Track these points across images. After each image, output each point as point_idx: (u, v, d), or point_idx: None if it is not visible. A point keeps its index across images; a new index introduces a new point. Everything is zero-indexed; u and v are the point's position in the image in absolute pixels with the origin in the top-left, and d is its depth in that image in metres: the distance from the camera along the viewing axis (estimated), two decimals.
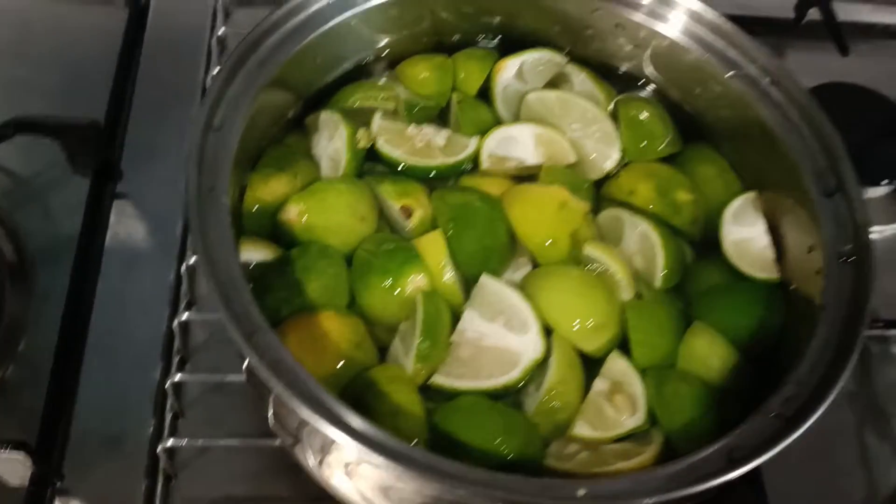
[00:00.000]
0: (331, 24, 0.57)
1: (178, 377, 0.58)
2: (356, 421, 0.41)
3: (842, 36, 0.82)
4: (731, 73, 0.58)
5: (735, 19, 0.82)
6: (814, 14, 0.82)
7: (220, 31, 0.76)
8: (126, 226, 0.67)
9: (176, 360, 0.60)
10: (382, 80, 0.62)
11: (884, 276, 0.73)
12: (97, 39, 0.77)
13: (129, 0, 0.77)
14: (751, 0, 0.90)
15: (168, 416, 0.58)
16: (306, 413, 0.41)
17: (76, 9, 0.79)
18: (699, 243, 0.59)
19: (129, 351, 0.60)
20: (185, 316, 0.59)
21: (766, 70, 0.58)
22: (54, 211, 0.67)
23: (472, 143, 0.58)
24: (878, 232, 0.76)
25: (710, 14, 0.59)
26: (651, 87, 0.64)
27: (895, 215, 0.75)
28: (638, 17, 0.60)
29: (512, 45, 0.64)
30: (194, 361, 0.61)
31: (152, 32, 0.78)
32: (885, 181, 0.75)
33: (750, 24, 0.82)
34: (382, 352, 0.53)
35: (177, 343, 0.60)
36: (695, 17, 0.60)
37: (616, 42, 0.63)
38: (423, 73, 0.61)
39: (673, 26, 0.60)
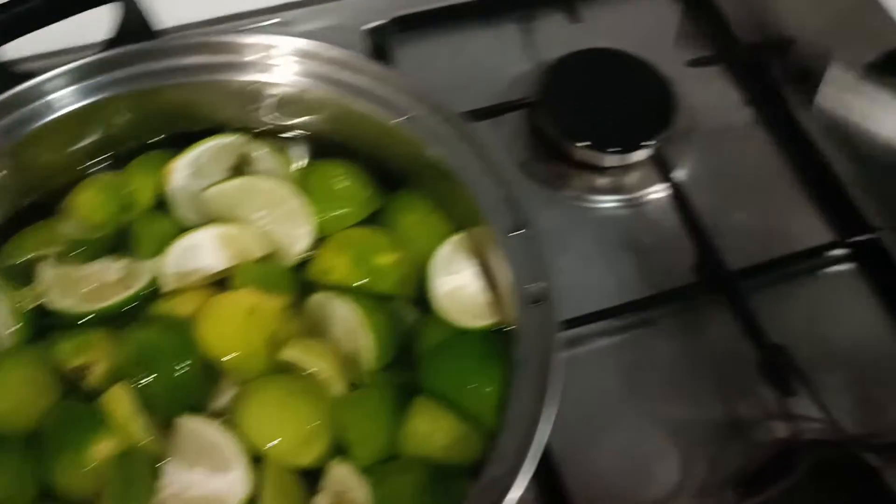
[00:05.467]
0: None
1: None
2: None
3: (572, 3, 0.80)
4: (398, 119, 0.54)
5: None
6: None
7: None
8: None
9: None
10: (52, 219, 0.57)
11: (668, 239, 0.72)
12: None
13: None
14: None
15: None
16: None
17: None
18: (420, 299, 0.56)
19: None
20: None
21: (432, 109, 0.54)
22: None
23: (149, 268, 0.54)
24: (648, 194, 0.74)
25: (373, 66, 0.55)
26: (337, 145, 0.60)
27: (658, 177, 0.72)
28: (294, 84, 0.56)
29: (191, 137, 0.60)
30: None
31: None
32: (645, 143, 0.73)
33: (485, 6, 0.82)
34: None
35: None
36: (356, 69, 0.56)
37: (286, 110, 0.58)
38: (91, 201, 0.57)
39: (334, 86, 0.56)
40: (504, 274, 0.51)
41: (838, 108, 0.50)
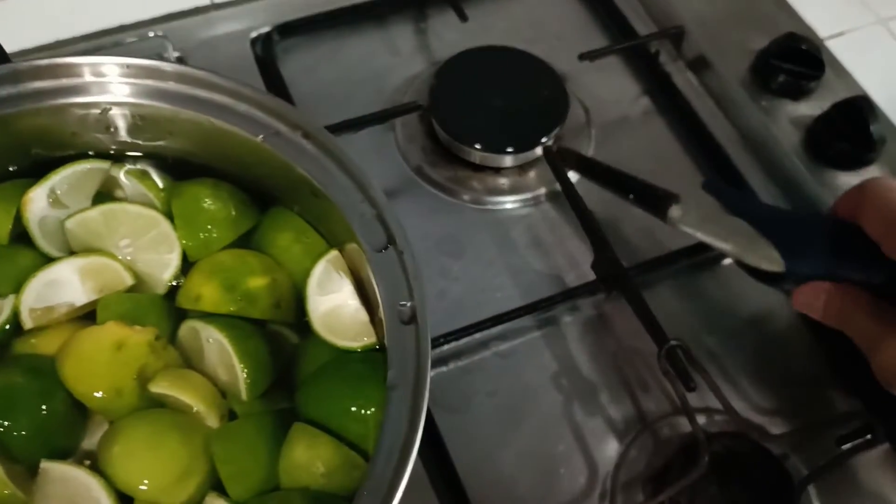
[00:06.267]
0: None
1: None
2: None
3: (458, 2, 0.78)
4: (261, 135, 0.52)
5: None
6: None
7: None
8: None
9: None
10: None
11: (569, 237, 0.71)
12: None
13: None
14: None
15: None
16: None
17: None
18: (299, 323, 0.54)
19: None
20: None
21: (295, 125, 0.52)
22: None
23: (7, 305, 0.51)
24: (546, 192, 0.73)
25: (227, 82, 0.53)
26: (206, 166, 0.57)
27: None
28: (148, 104, 0.53)
29: (52, 164, 0.57)
30: None
31: None
32: (538, 141, 0.72)
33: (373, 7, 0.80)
34: None
35: None
36: (210, 87, 0.53)
37: (146, 132, 0.56)
38: None
39: (192, 105, 0.53)
40: (376, 293, 0.49)
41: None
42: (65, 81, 0.52)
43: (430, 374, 0.44)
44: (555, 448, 0.62)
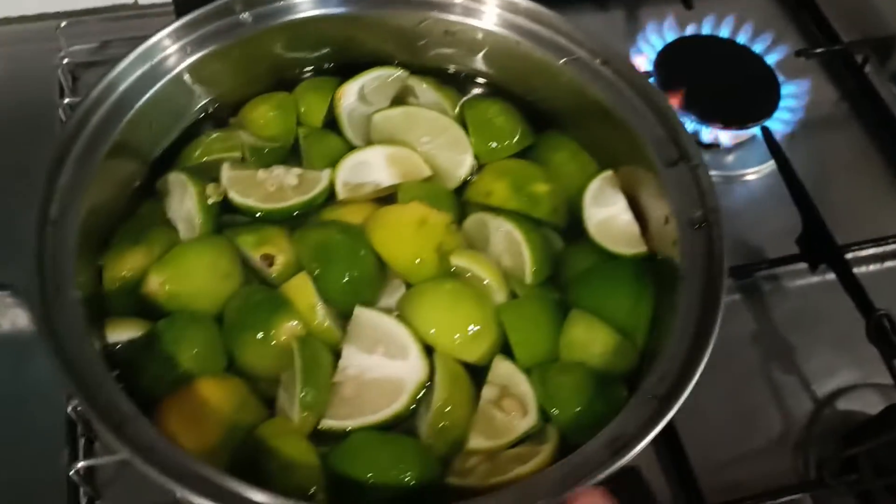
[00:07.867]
0: (156, 87, 0.56)
1: (86, 462, 0.56)
2: (245, 490, 0.41)
3: None
4: (563, 59, 0.59)
5: None
6: None
7: (67, 100, 0.74)
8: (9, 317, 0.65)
9: (82, 442, 0.58)
10: (227, 129, 0.61)
11: (765, 215, 0.76)
12: None
13: None
14: None
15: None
16: (189, 495, 0.41)
17: None
18: (566, 230, 0.60)
19: (30, 441, 0.59)
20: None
21: (595, 52, 0.58)
22: None
23: (325, 176, 0.58)
24: (753, 173, 0.78)
25: (531, 6, 0.59)
26: (493, 84, 0.64)
27: (766, 155, 0.77)
28: (464, 21, 0.61)
29: (353, 67, 0.64)
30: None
31: None
32: (751, 123, 0.77)
33: None
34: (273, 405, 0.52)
35: (80, 426, 0.58)
36: (516, 10, 0.60)
37: (451, 47, 0.63)
38: (264, 115, 0.61)
39: (498, 24, 0.60)
40: (661, 205, 0.54)
41: None
42: None
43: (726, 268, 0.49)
44: (753, 399, 0.65)
